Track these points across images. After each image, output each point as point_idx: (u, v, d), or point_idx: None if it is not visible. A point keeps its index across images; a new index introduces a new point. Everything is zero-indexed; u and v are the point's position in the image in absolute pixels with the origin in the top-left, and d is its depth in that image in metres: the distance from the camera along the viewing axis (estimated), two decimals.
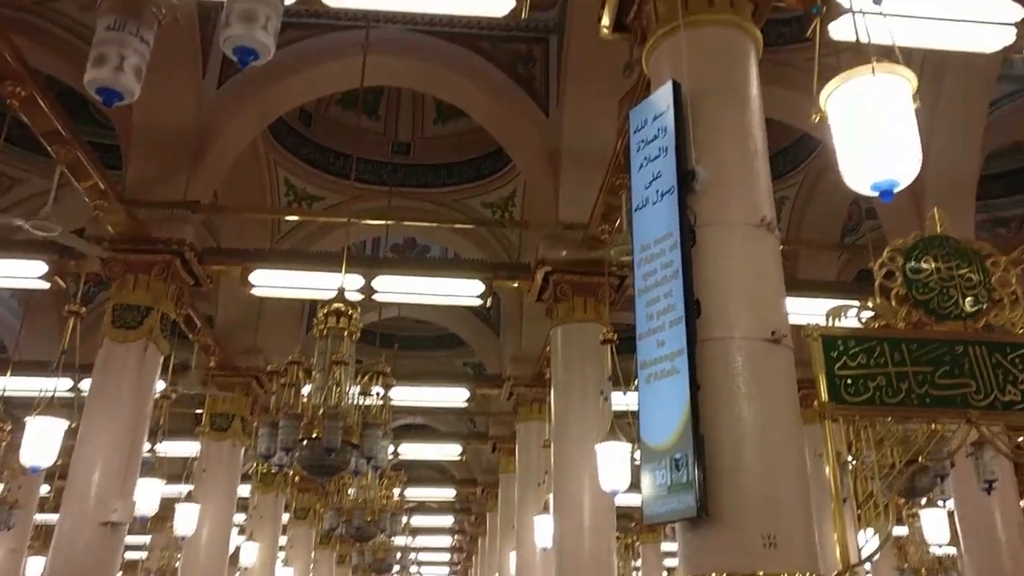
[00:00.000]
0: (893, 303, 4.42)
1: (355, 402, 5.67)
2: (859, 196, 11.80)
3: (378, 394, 5.87)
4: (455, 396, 12.56)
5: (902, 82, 3.09)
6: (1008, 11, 5.46)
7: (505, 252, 11.36)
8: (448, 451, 16.14)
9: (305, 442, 5.15)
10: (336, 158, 11.35)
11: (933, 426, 4.42)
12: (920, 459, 4.23)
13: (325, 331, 5.81)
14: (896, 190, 3.09)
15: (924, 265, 4.49)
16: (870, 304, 4.41)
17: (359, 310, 6.17)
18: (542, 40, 9.12)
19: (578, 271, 8.45)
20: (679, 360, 3.90)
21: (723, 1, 4.84)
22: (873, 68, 3.03)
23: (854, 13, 3.57)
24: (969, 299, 4.47)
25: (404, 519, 20.41)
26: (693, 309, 4.02)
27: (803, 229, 12.96)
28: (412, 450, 15.48)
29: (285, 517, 14.44)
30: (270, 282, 8.31)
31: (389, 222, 9.05)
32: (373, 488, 9.29)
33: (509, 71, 9.03)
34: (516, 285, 9.30)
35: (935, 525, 9.88)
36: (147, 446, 7.84)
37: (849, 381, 4.18)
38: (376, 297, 8.47)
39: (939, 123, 9.57)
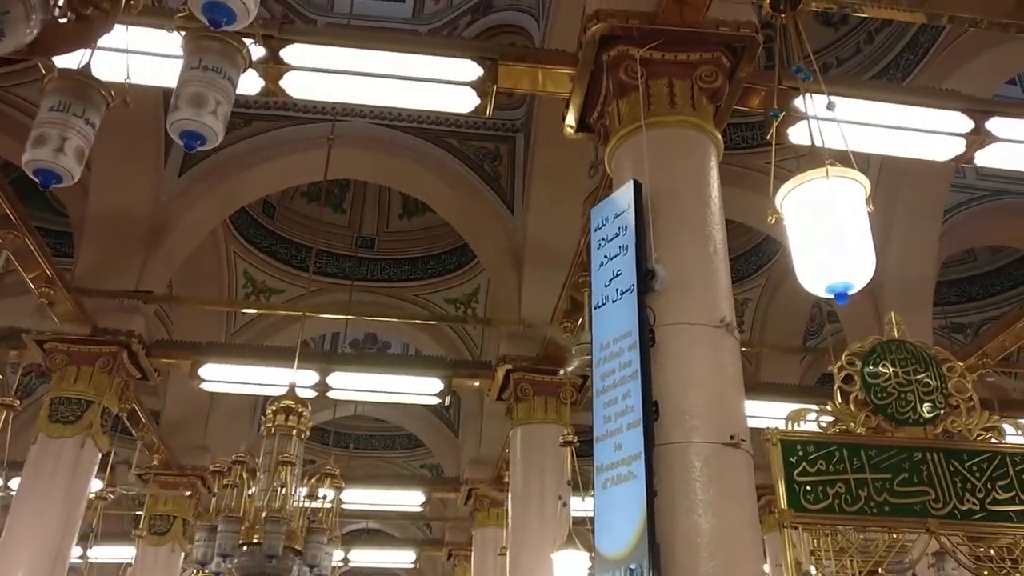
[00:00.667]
0: (852, 407, 4.35)
1: (301, 505, 5.39)
2: (820, 299, 12.02)
3: (325, 497, 5.60)
4: (410, 499, 12.15)
5: (855, 186, 3.11)
6: (958, 123, 5.63)
7: (467, 350, 11.22)
8: (402, 558, 15.53)
9: (245, 548, 4.86)
10: (298, 251, 11.27)
11: (893, 535, 4.29)
12: (880, 570, 4.07)
13: (273, 429, 5.58)
14: (851, 292, 3.06)
15: (882, 369, 4.44)
16: (829, 408, 4.34)
17: (309, 408, 5.95)
18: (509, 138, 9.26)
19: (540, 370, 8.33)
20: (636, 464, 3.75)
21: (685, 103, 4.92)
22: (827, 171, 3.04)
23: (809, 119, 3.62)
24: (927, 404, 4.41)
25: None
26: (651, 411, 3.91)
27: (766, 331, 13.03)
28: (364, 556, 14.86)
29: None
30: (221, 377, 8.05)
31: (348, 316, 8.91)
32: None
33: (475, 168, 9.13)
34: (477, 384, 9.14)
35: None
36: (77, 551, 7.38)
37: (808, 488, 4.06)
38: (331, 394, 8.26)
39: (896, 229, 9.80)
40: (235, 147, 7.99)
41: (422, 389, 8.32)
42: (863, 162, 10.55)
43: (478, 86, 5.11)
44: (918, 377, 4.47)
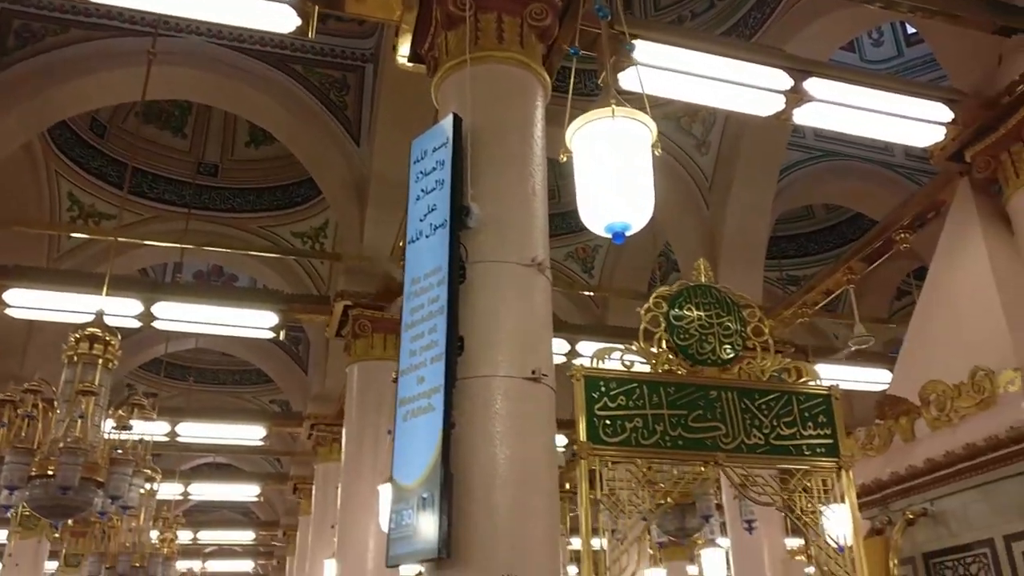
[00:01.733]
0: (655, 347, 4.54)
1: (107, 436, 5.17)
2: (667, 248, 12.40)
3: (132, 428, 5.39)
4: (251, 433, 11.92)
5: (641, 128, 3.17)
6: (779, 80, 5.84)
7: (315, 286, 10.99)
8: (246, 492, 15.30)
9: (38, 480, 4.62)
10: (132, 174, 10.64)
11: (701, 469, 4.55)
12: (668, 499, 4.30)
13: (75, 357, 5.29)
14: (628, 233, 3.14)
15: (686, 312, 4.64)
16: (633, 347, 4.51)
17: (119, 337, 5.67)
18: (358, 68, 8.97)
19: (379, 307, 8.26)
20: (436, 397, 3.78)
21: (513, 40, 4.88)
22: (613, 111, 3.08)
23: (608, 60, 3.65)
24: (726, 346, 4.65)
25: (193, 564, 19.16)
26: (455, 346, 3.93)
27: (615, 277, 13.41)
28: (206, 490, 14.54)
29: (52, 565, 13.09)
30: (30, 303, 7.53)
31: (177, 245, 8.51)
32: (145, 531, 8.55)
33: (321, 97, 8.81)
34: (316, 319, 8.97)
35: (713, 564, 10.29)
36: None
37: (608, 422, 4.22)
38: (157, 324, 7.91)
39: (735, 184, 10.21)
40: (50, 55, 7.37)
41: (256, 323, 8.09)
42: (710, 116, 10.88)
43: (298, 5, 4.89)
44: (720, 320, 4.69)
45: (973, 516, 4.83)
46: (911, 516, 5.12)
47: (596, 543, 3.96)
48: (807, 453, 4.59)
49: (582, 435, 4.13)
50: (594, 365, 4.35)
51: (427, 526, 3.58)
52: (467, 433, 3.84)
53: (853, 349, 8.16)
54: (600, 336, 10.85)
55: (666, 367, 4.51)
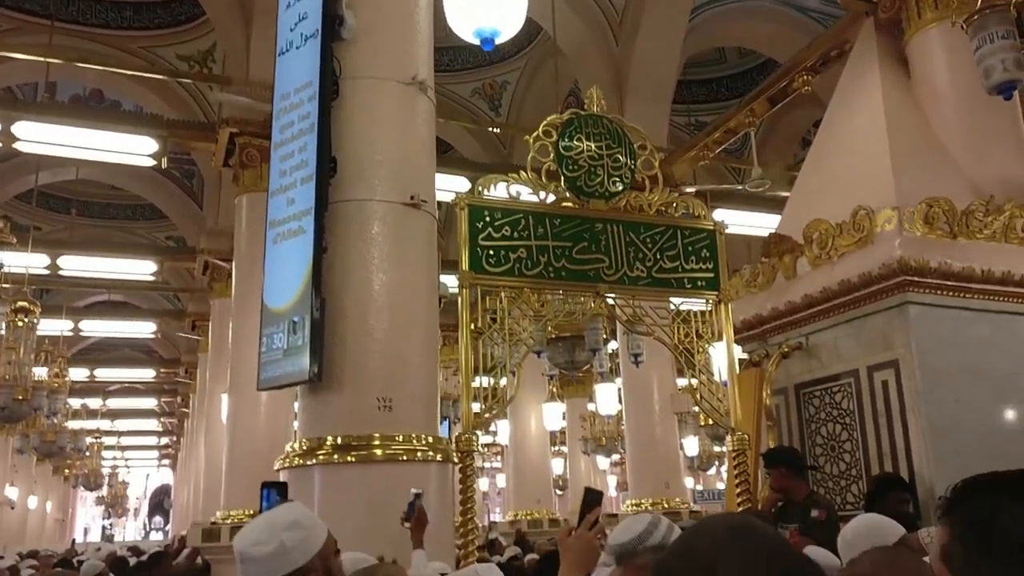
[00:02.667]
0: (543, 178, 4.41)
1: None
2: (578, 87, 12.07)
3: None
4: (141, 269, 11.48)
5: None
6: None
7: (204, 114, 10.34)
8: (141, 329, 14.98)
9: None
10: None
11: (583, 299, 4.54)
12: (549, 329, 4.31)
13: None
14: (498, 40, 2.93)
15: (576, 143, 4.49)
16: (520, 176, 4.37)
17: None
18: None
19: (267, 134, 7.81)
20: (307, 220, 3.60)
21: None
22: None
23: None
24: (615, 179, 4.56)
25: (93, 401, 18.96)
26: (327, 166, 3.71)
27: (522, 115, 13.09)
28: (99, 327, 14.16)
29: None
30: None
31: (49, 59, 7.75)
32: (27, 365, 8.28)
33: None
34: (202, 147, 8.49)
35: (606, 398, 10.72)
36: None
37: (491, 252, 4.13)
38: (20, 147, 7.32)
39: (646, 20, 9.89)
40: None
41: (133, 148, 7.57)
42: None
43: None
44: (610, 153, 4.57)
45: (843, 349, 5.03)
46: (786, 349, 5.31)
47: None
48: (688, 286, 4.64)
49: (464, 264, 4.04)
50: (479, 194, 4.21)
51: (298, 350, 3.48)
52: (341, 258, 3.70)
53: (749, 191, 8.22)
54: (505, 175, 10.68)
55: (553, 198, 4.42)
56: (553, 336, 5.68)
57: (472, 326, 4.04)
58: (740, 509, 4.44)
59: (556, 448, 21.72)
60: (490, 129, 12.58)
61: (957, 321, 4.70)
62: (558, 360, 6.68)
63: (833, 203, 5.33)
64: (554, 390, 14.49)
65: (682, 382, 9.75)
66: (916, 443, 4.49)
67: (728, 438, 4.56)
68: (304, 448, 3.55)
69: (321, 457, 3.50)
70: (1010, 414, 4.67)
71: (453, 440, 4.02)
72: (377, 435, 3.59)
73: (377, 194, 3.81)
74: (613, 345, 10.15)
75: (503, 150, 13.96)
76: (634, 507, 9.00)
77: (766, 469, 4.51)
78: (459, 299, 4.00)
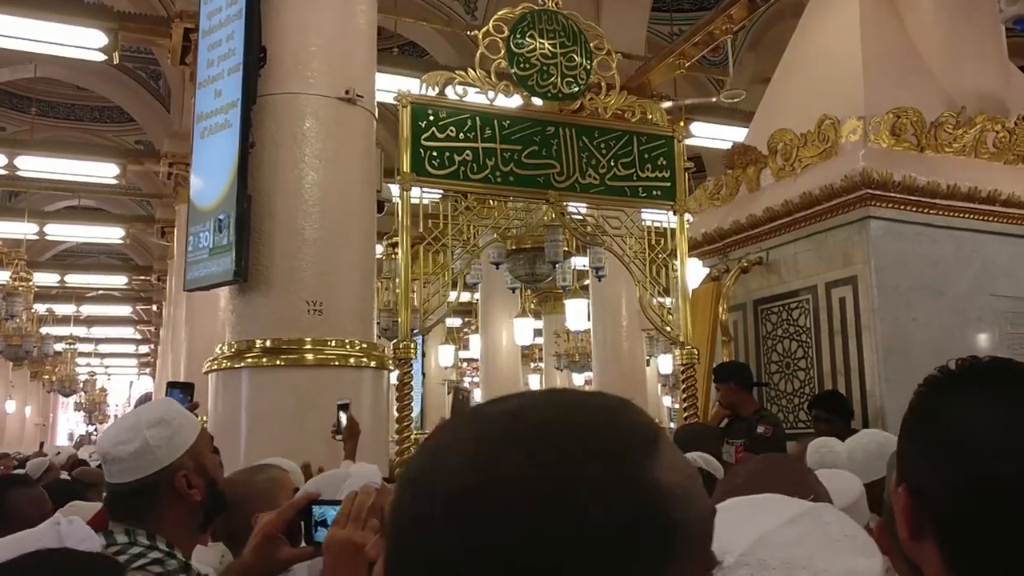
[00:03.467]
0: (492, 76, 4.18)
1: None
2: None
3: None
4: (104, 171, 11.14)
5: None
6: None
7: (163, 6, 9.86)
8: (110, 234, 14.69)
9: None
10: None
11: (546, 216, 4.38)
12: (496, 236, 4.16)
13: None
14: None
15: (528, 40, 4.25)
16: (469, 74, 4.14)
17: None
18: None
19: None
20: (233, 113, 3.39)
21: None
22: None
23: None
24: (569, 80, 4.34)
25: (66, 307, 18.79)
26: (256, 56, 3.48)
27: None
28: (64, 232, 13.88)
29: None
30: None
31: None
32: None
33: None
34: (161, 43, 8.09)
35: (576, 313, 10.65)
36: None
37: (435, 153, 3.95)
38: None
39: None
40: None
41: (81, 41, 7.18)
42: None
43: None
44: (565, 52, 4.33)
45: (802, 264, 4.91)
46: (746, 264, 5.18)
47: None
48: (643, 195, 4.48)
49: (405, 165, 3.86)
50: (424, 92, 3.99)
51: (223, 249, 3.32)
52: (271, 154, 3.51)
53: (724, 102, 7.97)
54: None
55: (503, 99, 4.20)
56: (513, 248, 5.51)
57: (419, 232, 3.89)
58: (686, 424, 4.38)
59: (535, 364, 21.90)
60: (466, 33, 12.11)
61: (919, 237, 4.58)
62: (519, 272, 6.50)
63: (801, 112, 5.12)
64: (530, 306, 14.42)
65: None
66: (869, 361, 4.41)
67: (676, 352, 4.47)
68: (232, 351, 3.43)
69: (250, 360, 3.38)
70: (968, 334, 4.59)
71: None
72: (309, 339, 3.46)
73: (310, 87, 3.58)
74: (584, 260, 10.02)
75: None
76: None
77: (715, 384, 4.44)
78: (399, 202, 3.83)
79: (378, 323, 10.50)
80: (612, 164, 4.35)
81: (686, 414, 4.37)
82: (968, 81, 5.13)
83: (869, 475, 2.17)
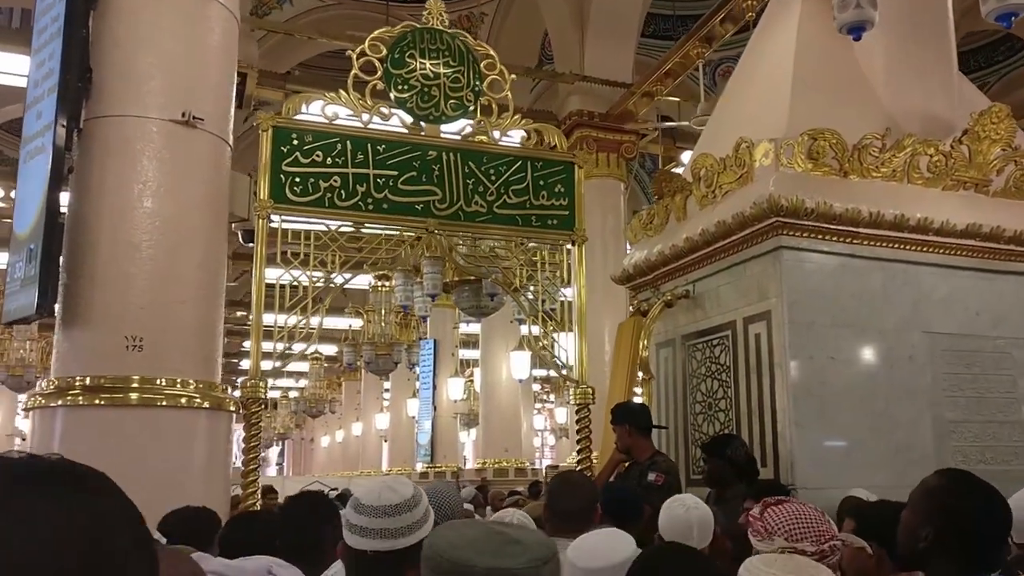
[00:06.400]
0: (368, 98, 3.98)
1: None
2: (558, 22, 11.49)
3: None
4: None
5: None
6: None
7: None
8: None
9: None
10: None
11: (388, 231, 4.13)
12: (366, 266, 3.93)
13: None
14: None
15: (408, 60, 4.05)
16: (339, 96, 3.94)
17: None
18: None
19: None
20: (48, 136, 3.22)
21: None
22: None
23: None
24: (453, 102, 4.12)
25: None
26: (77, 75, 3.31)
27: (498, 49, 12.51)
28: None
29: None
30: None
31: None
32: None
33: None
34: None
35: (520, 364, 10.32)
36: None
37: (298, 179, 3.75)
38: None
39: None
40: None
41: None
42: None
43: None
44: (450, 73, 4.12)
45: (724, 298, 4.58)
46: (670, 298, 4.86)
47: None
48: (536, 224, 4.21)
49: (263, 192, 3.66)
50: (287, 114, 3.80)
51: (31, 280, 3.14)
52: (96, 180, 3.33)
53: (694, 127, 7.67)
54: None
55: (378, 121, 3.99)
56: (455, 280, 5.28)
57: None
58: (578, 468, 4.06)
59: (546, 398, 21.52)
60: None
61: (842, 269, 4.22)
62: (463, 305, 6.26)
63: (733, 136, 4.82)
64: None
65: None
66: (780, 402, 4.05)
67: (572, 391, 4.16)
68: (53, 387, 3.23)
69: (68, 398, 3.17)
70: (896, 374, 4.20)
71: None
72: (136, 377, 3.25)
73: (145, 109, 3.40)
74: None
75: None
76: None
77: (612, 426, 4.10)
78: (256, 230, 3.63)
79: (361, 356, 10.30)
80: (503, 191, 4.10)
81: (578, 457, 4.04)
82: (916, 104, 4.77)
83: None
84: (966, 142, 4.49)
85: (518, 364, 13.08)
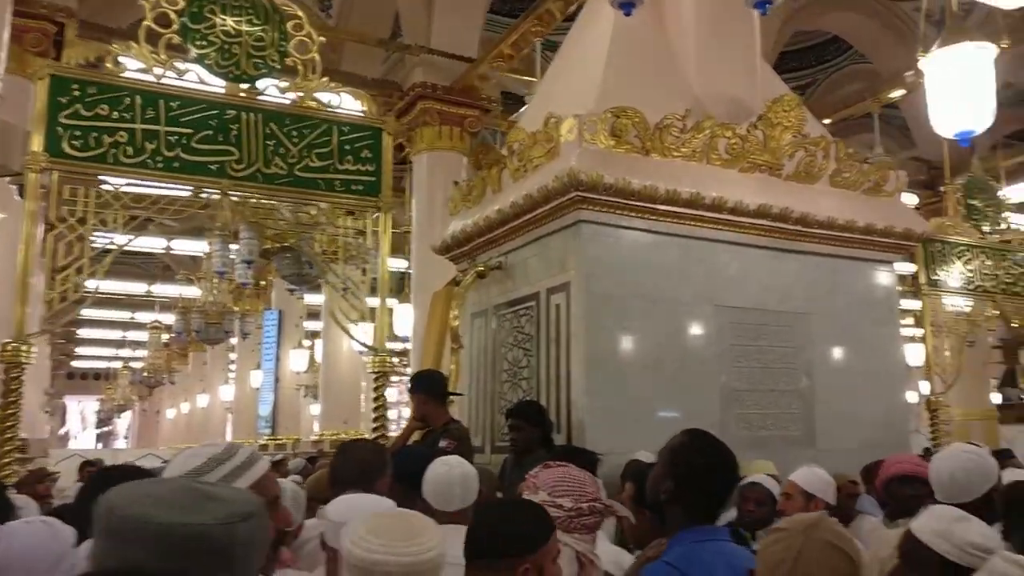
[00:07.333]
0: (162, 52, 3.81)
1: None
2: None
3: None
4: None
5: None
6: None
7: None
8: None
9: None
10: None
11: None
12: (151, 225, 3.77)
13: None
14: None
15: (208, 16, 3.89)
16: (131, 48, 3.75)
17: None
18: None
19: None
20: None
21: None
22: None
23: None
24: (257, 61, 4.00)
25: None
26: None
27: (351, 20, 12.25)
28: None
29: None
30: None
31: None
32: None
33: None
34: None
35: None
36: None
37: (78, 133, 3.54)
38: None
39: None
40: None
41: None
42: None
43: None
44: (252, 30, 3.99)
45: (531, 270, 4.69)
46: (482, 268, 4.93)
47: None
48: (340, 189, 4.16)
49: (37, 144, 3.45)
50: (68, 62, 3.58)
51: None
52: None
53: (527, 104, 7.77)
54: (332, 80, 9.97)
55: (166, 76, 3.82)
56: (276, 247, 5.12)
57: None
58: (374, 436, 4.08)
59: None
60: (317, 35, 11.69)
61: (639, 244, 4.40)
62: (285, 272, 6.15)
63: (546, 112, 4.91)
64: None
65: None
66: (576, 371, 4.20)
67: (370, 359, 4.16)
68: None
69: None
70: (687, 345, 4.43)
71: None
72: None
73: None
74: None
75: (331, 54, 13.13)
76: None
77: (409, 394, 4.14)
78: (26, 184, 3.41)
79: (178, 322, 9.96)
80: (305, 154, 4.03)
81: (374, 425, 4.06)
82: (725, 89, 5.00)
83: None
84: (761, 127, 4.74)
85: (358, 335, 12.98)
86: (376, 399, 4.09)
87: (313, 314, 16.15)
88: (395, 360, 4.04)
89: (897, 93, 10.17)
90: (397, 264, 11.16)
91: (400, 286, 10.02)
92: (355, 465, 2.63)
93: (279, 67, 4.02)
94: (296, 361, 15.21)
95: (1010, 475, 3.37)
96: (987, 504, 2.61)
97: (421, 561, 1.65)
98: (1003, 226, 8.05)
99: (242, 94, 3.93)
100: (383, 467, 2.69)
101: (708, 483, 2.06)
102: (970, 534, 1.61)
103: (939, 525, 1.65)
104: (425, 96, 9.60)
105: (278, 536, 1.57)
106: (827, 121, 12.19)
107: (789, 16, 12.09)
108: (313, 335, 16.17)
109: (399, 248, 12.92)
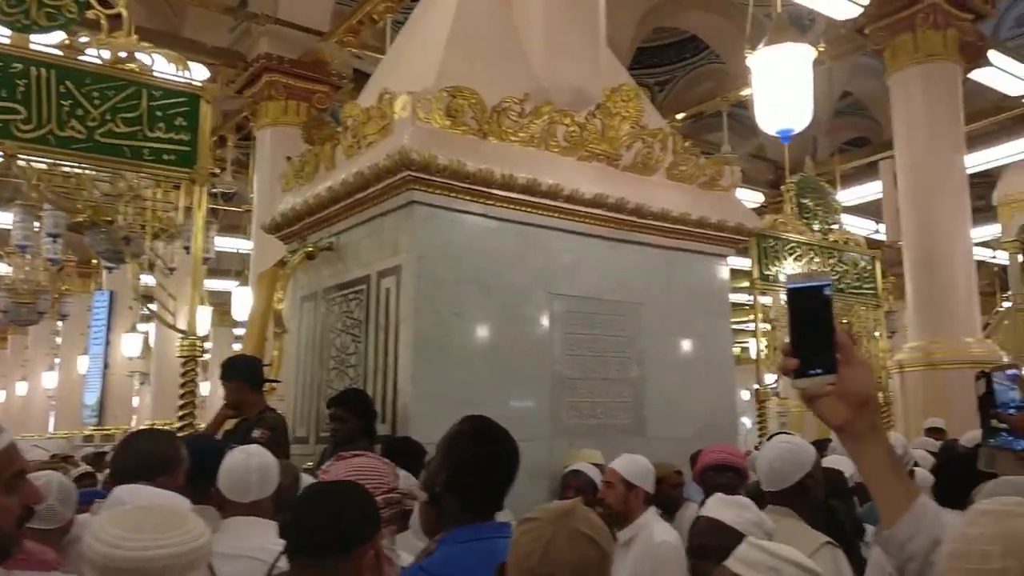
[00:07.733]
0: None
1: None
2: None
3: None
4: None
5: None
6: None
7: None
8: None
9: None
10: None
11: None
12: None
13: None
14: None
15: None
16: None
17: None
18: None
19: None
20: None
21: None
22: None
23: None
24: (48, 11, 3.59)
25: None
26: None
27: None
28: None
29: None
30: None
31: None
32: None
33: None
34: None
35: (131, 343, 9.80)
36: None
37: None
38: None
39: None
40: None
41: None
42: None
43: None
44: None
45: (363, 251, 4.49)
46: (311, 249, 4.69)
47: None
48: (149, 158, 3.82)
49: None
50: None
51: None
52: None
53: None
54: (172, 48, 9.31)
55: None
56: (89, 220, 4.65)
57: None
58: (181, 424, 3.78)
59: None
60: None
61: (474, 228, 4.27)
62: (99, 248, 5.63)
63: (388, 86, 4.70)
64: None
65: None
66: (403, 357, 4.04)
67: (178, 344, 3.86)
68: None
69: None
70: (520, 332, 4.35)
71: None
72: None
73: None
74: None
75: (172, 19, 12.38)
76: None
77: (222, 381, 3.86)
78: None
79: None
80: (108, 118, 3.67)
81: (181, 413, 3.76)
82: (565, 74, 4.93)
83: None
84: (599, 116, 4.72)
85: (202, 321, 12.33)
86: (184, 385, 3.79)
87: (150, 296, 15.26)
88: (206, 345, 3.75)
89: (745, 92, 10.53)
90: (237, 244, 10.65)
91: (241, 268, 9.55)
92: (133, 457, 2.38)
93: (77, 19, 3.63)
94: (129, 346, 14.30)
95: (833, 462, 3.52)
96: (801, 490, 2.69)
97: (181, 552, 1.46)
98: (835, 227, 8.49)
99: (33, 47, 3.52)
100: (170, 459, 2.45)
101: (485, 473, 1.94)
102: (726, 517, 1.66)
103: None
104: (271, 68, 9.16)
105: (25, 512, 1.39)
106: (681, 116, 12.60)
107: (648, 11, 12.35)
108: (148, 318, 15.25)
109: (241, 228, 12.37)
